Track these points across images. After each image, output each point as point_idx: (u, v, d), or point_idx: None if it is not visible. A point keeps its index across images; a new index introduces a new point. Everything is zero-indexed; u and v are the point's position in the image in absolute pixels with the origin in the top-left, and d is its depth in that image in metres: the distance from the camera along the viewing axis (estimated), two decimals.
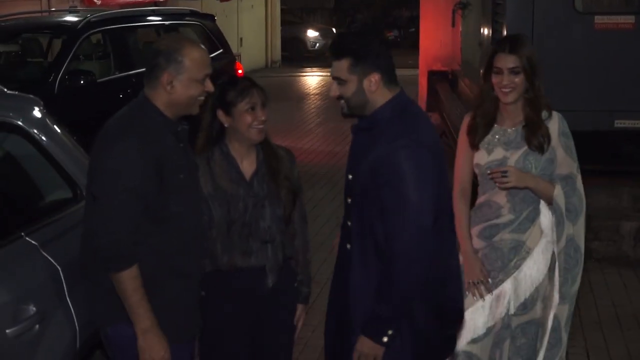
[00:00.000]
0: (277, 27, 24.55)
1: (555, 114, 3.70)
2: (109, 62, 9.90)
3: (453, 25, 11.55)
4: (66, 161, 3.67)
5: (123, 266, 2.99)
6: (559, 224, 3.70)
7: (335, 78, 3.12)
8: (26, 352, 3.00)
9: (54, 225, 3.44)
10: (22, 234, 3.23)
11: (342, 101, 3.14)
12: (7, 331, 2.92)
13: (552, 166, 3.67)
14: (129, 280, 2.99)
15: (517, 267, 3.75)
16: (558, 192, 3.65)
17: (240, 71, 11.06)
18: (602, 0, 7.15)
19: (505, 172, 3.57)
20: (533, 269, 3.75)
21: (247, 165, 3.43)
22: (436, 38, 12.41)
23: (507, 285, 3.75)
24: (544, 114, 3.67)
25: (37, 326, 3.04)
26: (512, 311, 3.77)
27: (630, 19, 7.09)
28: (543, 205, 3.73)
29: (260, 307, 3.46)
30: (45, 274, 3.11)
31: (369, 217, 3.09)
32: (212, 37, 10.94)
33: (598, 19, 7.14)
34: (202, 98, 3.22)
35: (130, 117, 3.13)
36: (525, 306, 3.78)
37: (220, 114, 3.38)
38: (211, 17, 11.60)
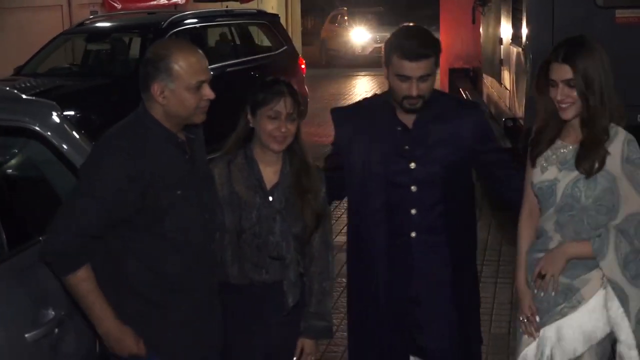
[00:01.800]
0: (297, 29, 24.58)
1: (621, 133, 3.06)
2: None
3: (473, 22, 11.51)
4: None
5: (63, 271, 2.91)
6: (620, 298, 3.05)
7: (421, 77, 3.21)
8: (46, 357, 3.01)
9: None
10: (41, 238, 3.24)
11: (414, 100, 3.25)
12: (27, 335, 2.93)
13: (612, 198, 3.06)
14: (78, 284, 2.91)
15: (563, 314, 3.14)
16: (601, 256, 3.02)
17: (303, 66, 12.04)
18: None
19: (543, 275, 3.10)
20: (587, 323, 3.12)
21: (270, 174, 3.27)
22: (457, 35, 12.37)
23: (548, 333, 3.17)
24: (612, 131, 3.06)
25: (56, 330, 3.05)
26: None
27: None
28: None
29: (275, 327, 3.28)
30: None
31: (451, 195, 3.34)
32: (278, 34, 11.88)
33: (619, 12, 7.06)
34: (205, 105, 3.04)
35: (125, 130, 3.01)
36: None
37: (248, 113, 3.26)
38: (276, 16, 12.63)
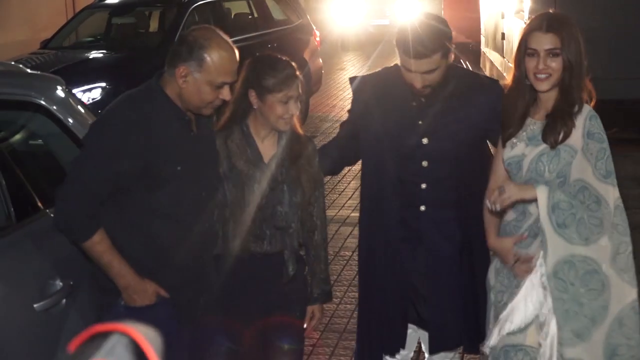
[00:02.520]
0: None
1: (585, 108, 3.13)
2: None
3: None
4: None
5: (80, 238, 3.03)
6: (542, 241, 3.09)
7: (426, 72, 3.19)
8: (54, 327, 3.05)
9: None
10: (47, 210, 3.28)
11: (420, 90, 3.26)
12: (35, 305, 2.97)
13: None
14: (93, 247, 3.02)
15: (517, 285, 3.20)
16: (541, 194, 3.04)
17: (317, 39, 12.21)
18: None
19: (502, 187, 3.10)
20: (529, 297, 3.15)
21: (267, 147, 3.31)
22: (459, 9, 12.35)
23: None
24: (576, 106, 3.11)
25: (64, 300, 3.10)
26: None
27: None
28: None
29: (274, 295, 3.34)
30: (70, 249, 3.15)
31: (462, 171, 3.35)
32: (293, 8, 12.16)
33: None
34: (218, 103, 3.08)
35: (134, 100, 3.06)
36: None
37: (252, 95, 3.21)
38: None
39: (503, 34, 9.06)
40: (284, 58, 3.27)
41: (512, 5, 8.32)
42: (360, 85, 3.53)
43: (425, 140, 3.36)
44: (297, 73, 3.23)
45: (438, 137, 3.35)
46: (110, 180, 3.00)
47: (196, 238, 3.16)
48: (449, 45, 3.24)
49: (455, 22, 12.50)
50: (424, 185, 3.38)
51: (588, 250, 3.07)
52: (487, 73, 10.28)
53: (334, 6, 22.52)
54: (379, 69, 3.62)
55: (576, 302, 3.07)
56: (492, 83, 3.59)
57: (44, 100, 3.62)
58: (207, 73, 2.98)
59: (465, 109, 3.35)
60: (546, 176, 3.12)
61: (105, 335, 1.04)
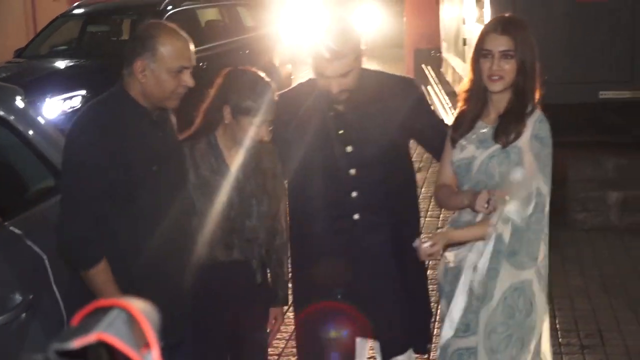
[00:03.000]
0: None
1: (536, 113, 3.15)
2: None
3: (437, 2, 11.57)
4: (49, 150, 3.67)
5: (87, 265, 2.96)
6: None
7: (341, 75, 3.18)
8: (13, 341, 3.02)
9: (38, 214, 3.46)
10: (6, 223, 3.25)
11: (336, 95, 3.24)
12: None
13: None
14: (96, 275, 2.96)
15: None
16: (510, 209, 3.02)
17: (286, 45, 12.17)
18: None
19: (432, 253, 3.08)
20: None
21: (234, 157, 3.29)
22: (421, 16, 12.42)
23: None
24: (529, 108, 3.15)
25: (23, 315, 3.06)
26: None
27: None
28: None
29: (240, 303, 3.35)
30: (30, 263, 3.13)
31: (392, 175, 3.33)
32: (262, 15, 12.22)
33: None
34: (181, 91, 3.06)
35: (100, 106, 3.05)
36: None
37: (227, 111, 3.20)
38: None
39: (464, 40, 9.14)
40: (264, 78, 3.26)
41: (472, 12, 8.40)
42: (280, 102, 3.35)
43: (349, 149, 3.33)
44: (275, 96, 3.22)
45: (362, 143, 3.32)
46: (106, 193, 2.94)
47: (178, 243, 3.15)
48: (361, 48, 3.24)
49: (417, 29, 12.60)
50: (354, 194, 3.35)
51: (531, 272, 3.15)
52: (450, 79, 10.36)
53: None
54: (294, 84, 3.52)
55: (519, 327, 3.15)
56: (407, 81, 3.57)
57: (2, 111, 3.59)
58: (162, 61, 2.97)
59: (384, 111, 3.32)
60: (496, 178, 3.12)
61: (106, 309, 1.09)
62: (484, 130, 3.19)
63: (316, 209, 3.39)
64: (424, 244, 3.06)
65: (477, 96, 3.21)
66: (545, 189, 3.12)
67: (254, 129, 3.18)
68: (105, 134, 2.94)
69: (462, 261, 3.20)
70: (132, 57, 3.01)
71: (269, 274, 3.48)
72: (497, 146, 3.14)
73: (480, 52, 3.14)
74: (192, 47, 3.09)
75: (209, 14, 11.93)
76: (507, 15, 3.33)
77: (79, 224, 2.94)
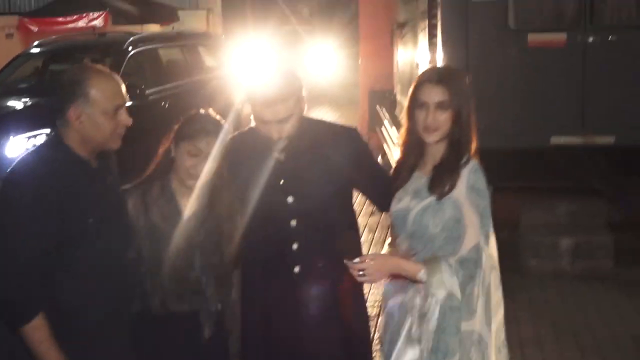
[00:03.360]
0: None
1: (471, 163, 3.09)
2: (143, 77, 10.51)
3: (392, 45, 11.59)
4: None
5: (18, 321, 2.81)
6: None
7: (281, 120, 3.13)
8: None
9: None
10: None
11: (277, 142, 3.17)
12: None
13: (458, 227, 3.02)
14: (33, 331, 2.81)
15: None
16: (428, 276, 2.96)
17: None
18: (535, 18, 7.18)
19: (363, 269, 2.99)
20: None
21: (188, 204, 3.16)
22: (376, 58, 12.44)
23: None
24: (464, 158, 3.09)
25: None
26: None
27: (562, 36, 7.15)
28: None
29: (191, 357, 3.20)
30: None
31: (333, 224, 3.22)
32: (221, 54, 12.30)
33: (531, 36, 7.18)
34: (121, 131, 2.96)
35: (38, 159, 2.91)
36: None
37: (172, 144, 3.15)
38: (220, 37, 13.29)
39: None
40: (216, 118, 3.18)
41: (425, 56, 8.40)
42: (231, 146, 3.26)
43: (290, 199, 3.22)
44: (214, 130, 3.11)
45: (303, 194, 3.22)
46: (42, 249, 2.80)
47: (114, 294, 3.01)
48: (301, 93, 3.18)
49: (372, 71, 12.60)
50: (295, 246, 3.23)
51: (472, 324, 3.03)
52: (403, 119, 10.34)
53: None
54: (236, 132, 3.41)
55: None
56: (348, 130, 3.44)
57: None
58: (97, 104, 2.88)
59: (325, 160, 3.23)
60: (430, 230, 3.05)
61: None
62: (420, 181, 3.12)
63: (253, 261, 3.26)
64: (354, 260, 2.97)
65: (414, 147, 3.14)
66: (482, 241, 3.02)
67: (192, 160, 3.08)
68: (38, 188, 2.80)
69: (404, 307, 3.09)
70: (64, 106, 2.90)
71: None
72: (432, 198, 3.06)
73: (416, 102, 3.07)
74: (121, 83, 2.99)
75: (170, 53, 11.94)
76: (442, 65, 3.23)
77: (10, 280, 2.79)
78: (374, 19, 12.63)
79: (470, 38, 7.17)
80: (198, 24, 20.04)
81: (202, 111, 3.22)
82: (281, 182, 3.22)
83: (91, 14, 15.00)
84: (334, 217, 3.26)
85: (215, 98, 10.79)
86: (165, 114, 9.49)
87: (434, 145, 3.10)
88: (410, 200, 3.10)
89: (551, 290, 6.64)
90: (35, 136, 8.67)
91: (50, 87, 10.33)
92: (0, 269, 2.81)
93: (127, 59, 10.16)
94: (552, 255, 6.98)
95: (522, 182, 6.93)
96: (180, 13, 17.41)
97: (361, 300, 3.50)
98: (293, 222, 3.22)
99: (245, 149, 3.27)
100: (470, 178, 3.04)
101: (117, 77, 3.00)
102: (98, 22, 14.82)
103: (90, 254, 2.91)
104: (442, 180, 3.04)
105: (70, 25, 15.00)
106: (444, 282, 2.94)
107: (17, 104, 9.69)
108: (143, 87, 9.71)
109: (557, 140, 7.15)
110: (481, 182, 3.06)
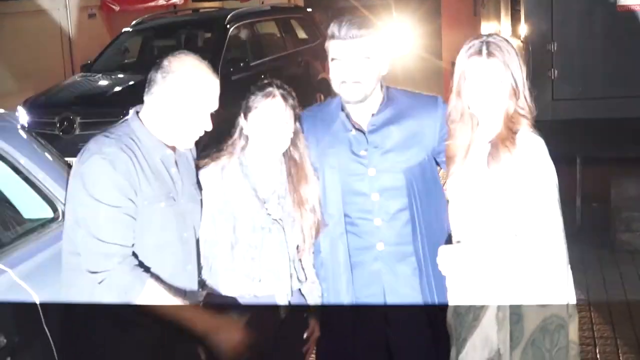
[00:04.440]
0: None
1: (530, 135, 2.98)
2: (245, 51, 10.94)
3: (475, 14, 11.36)
4: (45, 178, 3.43)
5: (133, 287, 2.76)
6: None
7: (354, 59, 3.05)
8: None
9: (30, 249, 3.21)
10: None
11: (349, 87, 3.09)
12: None
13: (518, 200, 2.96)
14: (150, 297, 2.76)
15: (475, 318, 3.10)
16: None
17: None
18: None
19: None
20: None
21: (266, 182, 3.10)
22: (459, 28, 12.23)
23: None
24: (519, 131, 3.00)
25: (8, 359, 2.86)
26: None
27: None
28: None
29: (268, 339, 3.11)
30: (13, 305, 2.91)
31: (418, 200, 3.10)
32: (312, 27, 12.63)
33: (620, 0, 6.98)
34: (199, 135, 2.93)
35: (114, 138, 2.84)
36: None
37: (241, 118, 3.09)
38: (310, 11, 13.49)
39: None
40: (275, 81, 3.12)
41: (508, 24, 8.19)
42: (302, 122, 3.20)
43: (372, 172, 3.11)
44: (280, 94, 3.05)
45: (386, 167, 3.10)
46: (122, 211, 2.76)
47: (179, 280, 2.94)
48: (380, 53, 3.06)
49: (455, 43, 12.38)
50: (378, 221, 3.12)
51: (554, 308, 2.92)
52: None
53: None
54: (316, 104, 3.34)
55: None
56: (434, 99, 3.27)
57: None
58: (184, 98, 2.83)
59: (410, 131, 3.12)
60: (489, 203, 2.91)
61: None
62: (476, 154, 2.97)
63: (335, 236, 3.16)
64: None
65: (468, 122, 2.99)
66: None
67: (266, 127, 3.01)
68: (116, 169, 2.75)
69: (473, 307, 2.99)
70: (153, 87, 2.89)
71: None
72: (490, 171, 2.91)
73: (464, 77, 2.91)
74: (216, 88, 2.93)
75: (266, 27, 12.25)
76: (488, 35, 2.99)
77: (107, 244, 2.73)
78: None
79: (555, 5, 7.02)
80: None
81: (268, 81, 3.14)
82: (362, 152, 3.12)
83: None
84: (419, 191, 3.13)
85: (309, 70, 11.21)
86: None
87: (489, 118, 2.94)
88: (469, 174, 2.97)
89: None
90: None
91: (154, 63, 10.59)
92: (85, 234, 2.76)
93: (229, 33, 10.40)
94: None
95: (612, 153, 6.66)
96: None
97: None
98: (375, 196, 3.11)
99: (326, 117, 3.19)
100: (529, 150, 2.87)
101: (214, 80, 2.92)
102: (178, 0, 14.94)
103: (163, 239, 2.86)
104: (498, 154, 2.88)
105: (152, 4, 15.14)
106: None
107: (126, 80, 9.87)
108: (247, 60, 10.18)
109: None
110: (542, 154, 2.89)
